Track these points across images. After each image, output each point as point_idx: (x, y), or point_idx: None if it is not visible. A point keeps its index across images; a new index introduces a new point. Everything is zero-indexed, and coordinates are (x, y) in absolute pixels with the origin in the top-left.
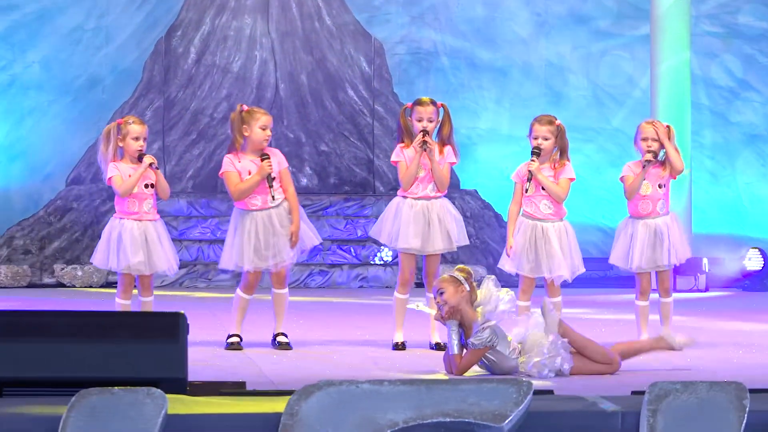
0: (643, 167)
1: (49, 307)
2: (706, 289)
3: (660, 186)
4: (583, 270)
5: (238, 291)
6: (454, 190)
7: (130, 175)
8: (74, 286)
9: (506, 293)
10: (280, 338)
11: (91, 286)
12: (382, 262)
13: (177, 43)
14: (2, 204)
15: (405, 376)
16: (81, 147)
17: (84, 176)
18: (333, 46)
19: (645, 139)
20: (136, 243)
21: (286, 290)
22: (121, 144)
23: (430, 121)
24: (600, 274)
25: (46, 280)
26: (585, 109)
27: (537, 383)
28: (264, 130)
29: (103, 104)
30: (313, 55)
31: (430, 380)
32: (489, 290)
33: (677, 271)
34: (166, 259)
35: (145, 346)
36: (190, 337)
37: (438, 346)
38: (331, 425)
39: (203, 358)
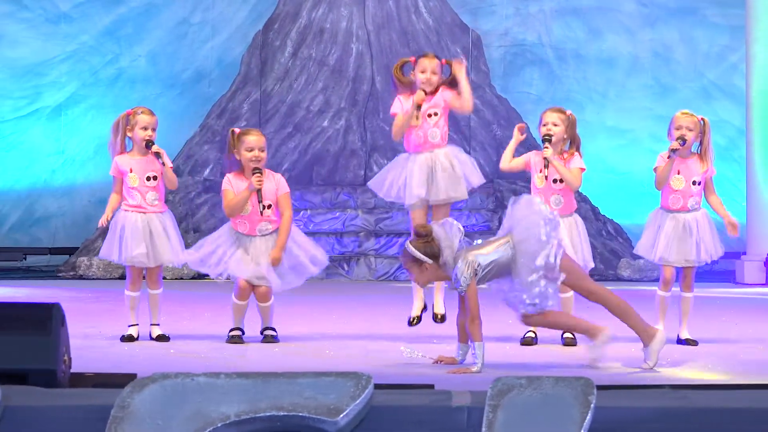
0: (669, 156)
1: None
2: None
3: (695, 182)
4: (593, 265)
5: (233, 297)
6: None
7: (131, 169)
8: (165, 278)
9: (452, 225)
10: (267, 332)
11: (182, 278)
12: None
13: (274, 37)
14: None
15: (249, 369)
16: (183, 140)
17: (182, 169)
18: (430, 39)
19: (679, 128)
20: (138, 235)
21: (269, 302)
22: (129, 134)
23: (434, 74)
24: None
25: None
26: (692, 100)
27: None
28: (250, 151)
29: (209, 98)
30: (409, 47)
31: (268, 374)
32: (441, 236)
33: None
34: (171, 250)
35: (15, 338)
36: (201, 329)
37: (435, 318)
38: (161, 418)
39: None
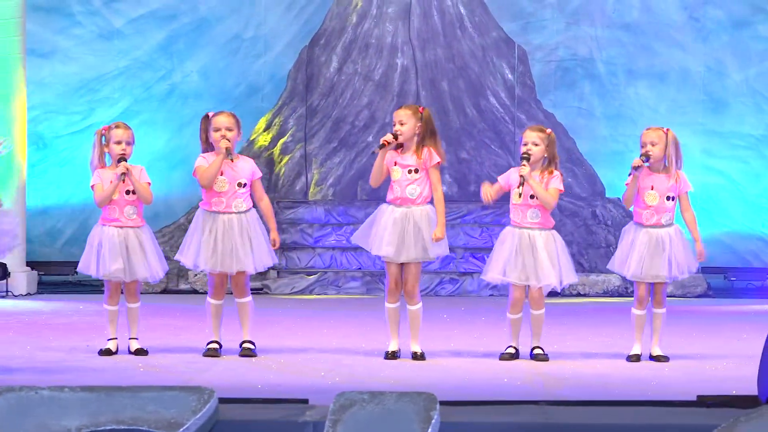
0: (630, 173)
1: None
2: None
3: (669, 198)
4: (575, 279)
5: (207, 298)
6: (596, 198)
7: (111, 181)
8: (204, 292)
9: None
10: (245, 344)
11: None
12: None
13: (320, 52)
14: (165, 210)
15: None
16: None
17: None
18: (475, 54)
19: (643, 145)
20: (114, 250)
21: (248, 299)
22: (106, 149)
23: (402, 124)
24: (757, 284)
25: (182, 286)
26: (745, 115)
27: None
28: (217, 131)
29: (261, 113)
30: (454, 62)
31: (112, 387)
32: None
33: None
34: (146, 266)
35: None
36: (184, 342)
37: (414, 356)
38: (4, 431)
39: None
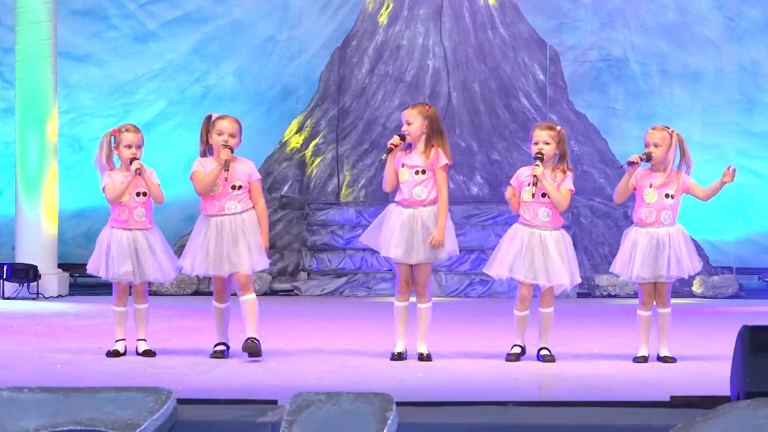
0: (621, 166)
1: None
2: None
3: (668, 196)
4: (579, 280)
5: (213, 301)
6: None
7: (122, 182)
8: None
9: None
10: (249, 341)
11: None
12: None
13: (351, 53)
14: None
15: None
16: (263, 157)
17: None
18: (506, 55)
19: (647, 145)
20: (123, 253)
21: (251, 296)
22: (116, 152)
23: (408, 123)
24: None
25: (212, 288)
26: None
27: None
28: (220, 135)
29: (295, 114)
30: (486, 63)
31: (70, 389)
32: None
33: None
34: (157, 267)
35: None
36: (194, 344)
37: (421, 357)
38: None
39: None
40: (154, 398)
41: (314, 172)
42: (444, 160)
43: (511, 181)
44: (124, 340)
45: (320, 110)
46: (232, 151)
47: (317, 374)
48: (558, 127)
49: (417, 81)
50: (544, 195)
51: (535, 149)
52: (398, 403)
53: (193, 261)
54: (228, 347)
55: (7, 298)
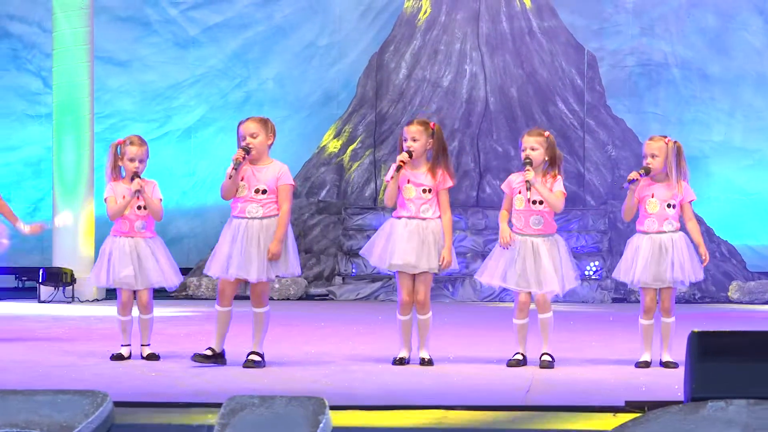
0: (623, 187)
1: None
2: None
3: (669, 205)
4: (577, 284)
5: (215, 304)
6: None
7: (124, 196)
8: (271, 298)
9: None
10: (251, 356)
11: (288, 298)
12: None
13: (389, 59)
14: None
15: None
16: (302, 162)
17: (299, 190)
18: (544, 60)
19: (644, 157)
20: (125, 258)
21: (263, 309)
22: (120, 163)
23: (414, 140)
24: None
25: (249, 292)
26: None
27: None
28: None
29: (336, 119)
30: (523, 68)
31: (6, 391)
32: None
33: None
34: (159, 272)
35: None
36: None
37: (422, 361)
38: None
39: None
40: (90, 401)
41: (352, 177)
42: (449, 183)
43: (502, 187)
44: (129, 345)
45: (358, 115)
46: (248, 153)
47: (313, 378)
48: (546, 133)
49: (454, 86)
50: (534, 202)
51: (523, 155)
52: (341, 407)
53: (210, 262)
54: (216, 353)
55: (43, 302)
